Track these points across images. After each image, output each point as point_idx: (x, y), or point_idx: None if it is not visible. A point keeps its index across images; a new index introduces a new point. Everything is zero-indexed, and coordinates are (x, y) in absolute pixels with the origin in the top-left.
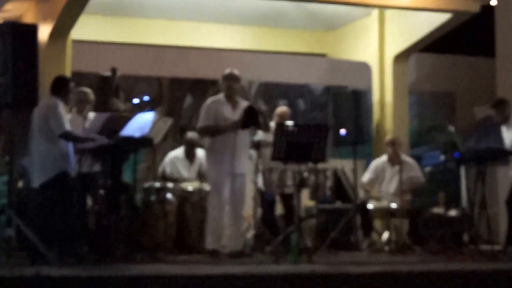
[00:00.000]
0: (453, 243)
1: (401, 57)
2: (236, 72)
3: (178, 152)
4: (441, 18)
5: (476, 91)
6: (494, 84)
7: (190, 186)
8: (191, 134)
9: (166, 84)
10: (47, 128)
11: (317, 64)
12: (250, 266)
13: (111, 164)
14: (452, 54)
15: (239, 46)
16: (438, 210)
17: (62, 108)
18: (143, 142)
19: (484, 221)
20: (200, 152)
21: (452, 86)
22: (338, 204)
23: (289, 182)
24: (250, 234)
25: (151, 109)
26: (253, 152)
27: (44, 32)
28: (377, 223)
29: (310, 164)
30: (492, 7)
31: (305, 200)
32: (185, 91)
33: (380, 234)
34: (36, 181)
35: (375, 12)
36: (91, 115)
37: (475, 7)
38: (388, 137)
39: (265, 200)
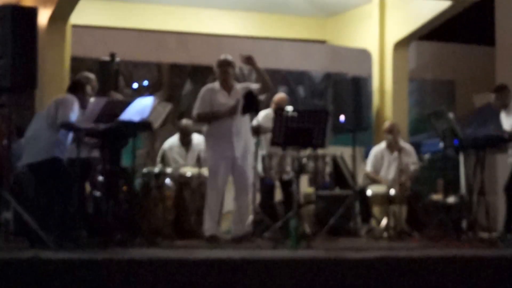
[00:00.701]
0: (451, 230)
1: (402, 44)
2: (229, 57)
3: (174, 139)
4: (442, 5)
5: (476, 79)
6: (493, 73)
7: (189, 172)
8: (185, 121)
9: (166, 70)
10: (55, 116)
11: (317, 51)
12: (249, 251)
13: (110, 149)
14: (453, 42)
15: (239, 32)
16: (437, 197)
17: (76, 106)
18: (142, 126)
19: (482, 208)
20: (197, 138)
21: (452, 74)
22: (337, 191)
23: (288, 168)
24: (250, 219)
25: (151, 94)
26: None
27: (43, 16)
28: (376, 210)
29: (309, 150)
30: None
31: (304, 186)
32: (184, 77)
33: (379, 221)
34: (25, 160)
35: None
36: (91, 100)
37: None
38: (387, 123)
39: (264, 185)
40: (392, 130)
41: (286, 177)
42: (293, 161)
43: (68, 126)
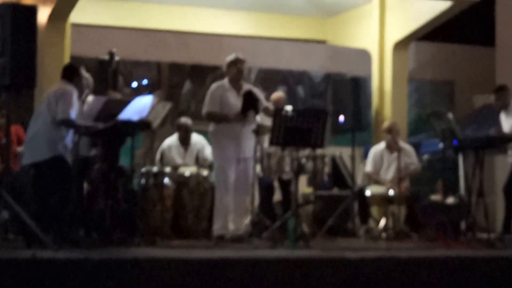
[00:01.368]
0: (450, 231)
1: (401, 45)
2: (240, 55)
3: (173, 139)
4: (442, 5)
5: (476, 79)
6: (493, 73)
7: (187, 171)
8: (184, 119)
9: (165, 69)
10: (55, 111)
11: (317, 51)
12: (247, 251)
13: (108, 148)
14: (452, 43)
15: (239, 32)
16: (435, 197)
17: (75, 98)
18: (142, 125)
19: (481, 209)
20: (196, 137)
21: (451, 74)
22: (336, 191)
23: (287, 168)
24: (248, 219)
25: (150, 93)
26: None
27: (43, 14)
28: (375, 210)
29: (309, 150)
30: None
31: (303, 186)
32: (184, 77)
33: (378, 221)
34: (27, 159)
35: None
36: (90, 98)
37: None
38: (386, 123)
39: (263, 185)
40: (391, 130)
41: (285, 177)
42: (292, 161)
43: (69, 124)
